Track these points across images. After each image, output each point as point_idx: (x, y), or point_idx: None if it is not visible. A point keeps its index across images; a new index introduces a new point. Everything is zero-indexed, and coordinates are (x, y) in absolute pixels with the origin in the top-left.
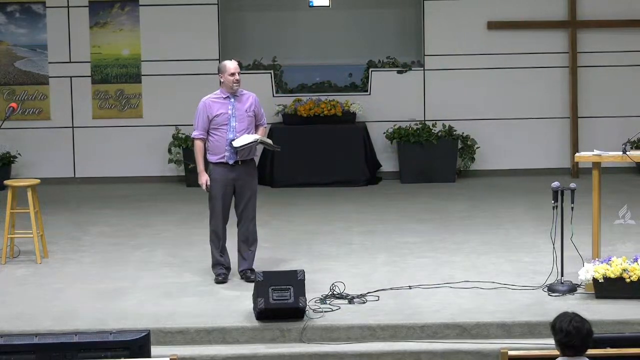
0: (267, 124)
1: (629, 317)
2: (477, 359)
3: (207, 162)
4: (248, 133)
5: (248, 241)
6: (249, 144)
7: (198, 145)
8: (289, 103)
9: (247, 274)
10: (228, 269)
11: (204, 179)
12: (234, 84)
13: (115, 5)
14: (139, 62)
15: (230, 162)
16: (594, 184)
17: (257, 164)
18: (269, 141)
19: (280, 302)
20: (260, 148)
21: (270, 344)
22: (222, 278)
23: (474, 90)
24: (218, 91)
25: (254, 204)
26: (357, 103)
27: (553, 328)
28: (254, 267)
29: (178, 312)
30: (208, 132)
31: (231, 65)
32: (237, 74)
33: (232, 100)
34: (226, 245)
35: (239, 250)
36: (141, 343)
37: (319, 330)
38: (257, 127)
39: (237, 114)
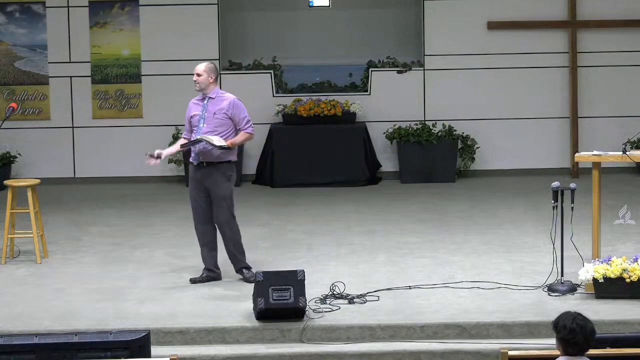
0: (268, 124)
1: (629, 317)
2: (477, 359)
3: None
4: (217, 135)
5: (227, 244)
6: (191, 142)
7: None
8: (289, 103)
9: (241, 274)
10: (211, 270)
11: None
12: (195, 85)
13: (115, 5)
14: (139, 62)
15: (194, 162)
16: (594, 184)
17: (257, 164)
18: (213, 140)
19: (280, 302)
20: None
21: (270, 344)
22: (199, 279)
23: (474, 90)
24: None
25: (225, 207)
26: (357, 103)
27: (556, 326)
28: (248, 265)
29: (178, 312)
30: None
31: (196, 66)
32: (195, 75)
33: (206, 102)
34: (211, 246)
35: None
36: (141, 343)
37: (319, 330)
38: (238, 132)
39: (206, 116)
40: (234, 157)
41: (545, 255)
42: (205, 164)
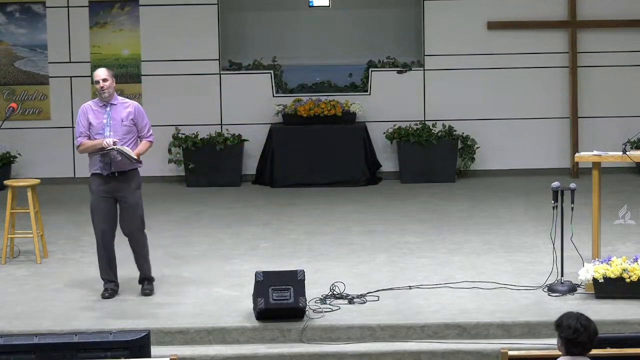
0: (268, 124)
1: (629, 317)
2: (477, 359)
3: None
4: (125, 144)
5: (139, 253)
6: (105, 151)
7: (84, 144)
8: (289, 103)
9: (143, 284)
10: (114, 282)
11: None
12: (102, 92)
13: (115, 5)
14: (139, 62)
15: (104, 173)
16: (594, 184)
17: (257, 164)
18: (127, 151)
19: (280, 302)
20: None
21: (270, 344)
22: (108, 294)
23: (474, 90)
24: (97, 99)
25: (138, 215)
26: (357, 103)
27: (559, 326)
28: (152, 277)
29: (178, 312)
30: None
31: (97, 72)
32: (101, 82)
33: (108, 109)
34: (113, 255)
35: (135, 262)
36: (141, 343)
37: (319, 330)
38: (141, 140)
39: (112, 124)
40: (141, 165)
41: (545, 255)
42: (117, 174)
